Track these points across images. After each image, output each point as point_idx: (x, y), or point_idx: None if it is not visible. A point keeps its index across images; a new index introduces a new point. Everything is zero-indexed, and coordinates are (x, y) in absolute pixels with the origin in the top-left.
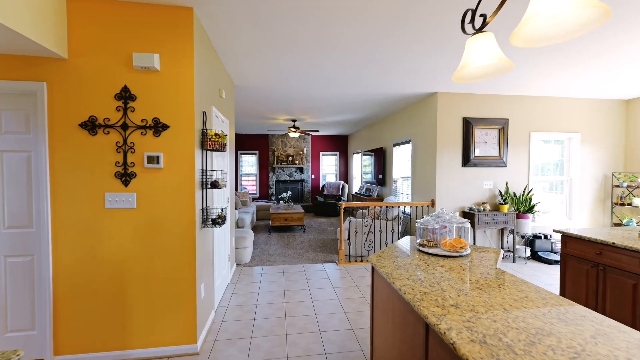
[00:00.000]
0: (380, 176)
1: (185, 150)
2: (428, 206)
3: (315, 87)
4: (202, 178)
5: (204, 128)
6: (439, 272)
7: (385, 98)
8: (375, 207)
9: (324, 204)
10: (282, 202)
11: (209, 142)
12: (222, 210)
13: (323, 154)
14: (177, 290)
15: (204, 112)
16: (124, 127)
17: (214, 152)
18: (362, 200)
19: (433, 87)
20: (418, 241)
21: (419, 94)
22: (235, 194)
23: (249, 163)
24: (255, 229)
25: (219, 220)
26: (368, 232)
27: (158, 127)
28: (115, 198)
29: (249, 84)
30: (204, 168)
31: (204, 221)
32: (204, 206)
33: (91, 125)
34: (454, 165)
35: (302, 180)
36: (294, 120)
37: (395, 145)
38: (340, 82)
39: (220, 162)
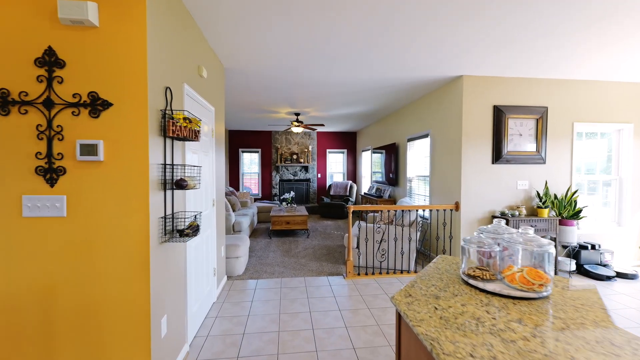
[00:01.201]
0: (392, 175)
1: (136, 138)
2: (451, 210)
3: (318, 68)
4: (163, 176)
5: (168, 109)
6: (519, 335)
7: (399, 84)
8: (388, 211)
9: (331, 205)
10: (284, 203)
11: (173, 128)
12: (196, 217)
13: (329, 152)
14: (124, 328)
15: (168, 89)
16: (48, 104)
17: (187, 143)
18: (372, 202)
19: (458, 69)
20: (464, 268)
21: (441, 78)
22: (235, 195)
23: (251, 161)
24: (255, 232)
25: (189, 232)
26: (381, 240)
27: (96, 105)
28: (37, 202)
29: (242, 66)
30: (166, 162)
31: (168, 233)
32: (167, 213)
33: (1, 102)
34: (483, 162)
35: (308, 180)
36: (297, 114)
37: (410, 140)
38: (347, 62)
39: (198, 157)
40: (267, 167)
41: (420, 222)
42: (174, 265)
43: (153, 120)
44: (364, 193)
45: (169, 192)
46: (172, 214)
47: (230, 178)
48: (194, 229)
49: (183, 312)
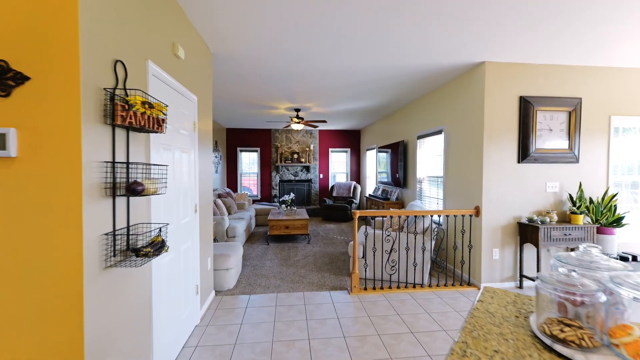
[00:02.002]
0: (399, 176)
1: (66, 125)
2: (471, 215)
3: (319, 54)
4: (111, 178)
5: (120, 88)
6: None
7: (410, 74)
8: (399, 217)
9: (333, 207)
10: (283, 205)
11: (123, 114)
12: (161, 230)
13: (332, 151)
14: None
15: (119, 63)
16: None
17: (154, 137)
18: (378, 204)
19: (480, 54)
20: (538, 320)
21: (459, 64)
22: (231, 197)
23: (250, 161)
24: (251, 237)
25: (149, 250)
26: (390, 250)
27: (5, 80)
28: None
29: (232, 52)
30: (115, 160)
31: (120, 253)
32: (118, 227)
33: None
34: (507, 161)
35: (309, 181)
36: (297, 110)
37: (420, 137)
38: (351, 46)
39: (174, 155)
40: (266, 167)
41: (435, 229)
42: (131, 293)
43: (90, 102)
44: (369, 195)
45: (121, 200)
46: (128, 227)
47: (228, 179)
48: (156, 246)
49: (146, 349)
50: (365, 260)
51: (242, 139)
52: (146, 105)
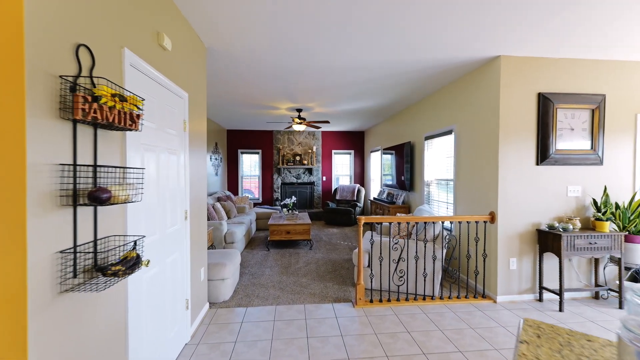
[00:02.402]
0: (403, 178)
1: (3, 119)
2: (485, 222)
3: (322, 47)
4: (66, 184)
5: (85, 76)
6: None
7: (418, 70)
8: (408, 223)
9: (337, 210)
10: (285, 209)
11: (84, 107)
12: (136, 244)
13: (335, 153)
14: None
15: (84, 48)
16: None
17: (132, 136)
18: (383, 208)
19: (495, 47)
20: None
21: (472, 59)
22: (231, 200)
23: (252, 163)
24: (252, 242)
25: (120, 269)
26: (398, 259)
27: None
28: None
29: (228, 46)
30: (77, 162)
31: (82, 272)
32: (80, 242)
33: None
34: (525, 163)
35: (312, 183)
36: (299, 110)
37: (428, 138)
38: (358, 37)
39: (158, 157)
40: (268, 169)
41: (447, 236)
42: (99, 319)
43: (40, 91)
44: (374, 198)
45: (85, 210)
46: (95, 242)
47: (229, 181)
48: (129, 263)
49: None
50: (371, 270)
51: (243, 141)
52: (116, 98)
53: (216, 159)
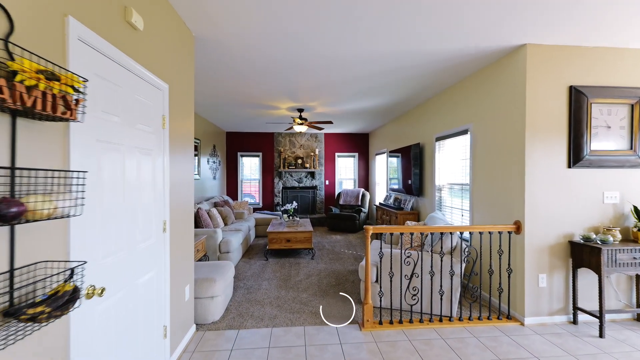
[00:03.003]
0: (410, 182)
1: None
2: (510, 232)
3: (324, 37)
4: None
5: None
6: None
7: (431, 62)
8: (422, 234)
9: (340, 216)
10: (285, 215)
11: None
12: (73, 273)
13: (339, 156)
14: None
15: None
16: None
17: (82, 129)
18: (390, 215)
19: (520, 34)
20: None
21: (493, 48)
22: (229, 205)
23: (252, 166)
24: (250, 250)
25: (44, 310)
26: (411, 275)
27: None
28: None
29: (219, 34)
30: None
31: None
32: None
33: None
34: (555, 166)
35: (314, 187)
36: (300, 110)
37: (439, 139)
38: (365, 24)
39: (124, 158)
40: (268, 172)
41: (466, 249)
42: None
43: None
44: (379, 203)
45: None
46: (10, 273)
47: (228, 185)
48: (60, 301)
49: None
50: (380, 287)
51: (243, 143)
52: (41, 76)
53: (214, 162)
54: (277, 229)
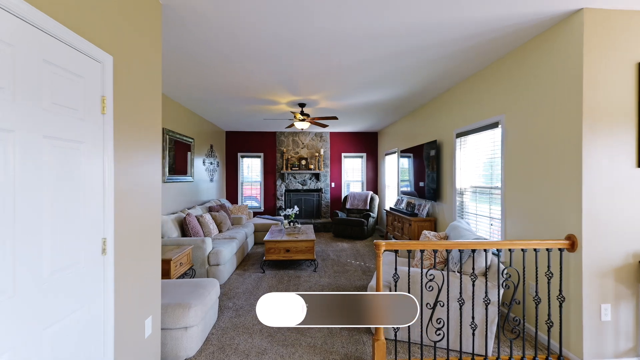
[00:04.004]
0: (424, 184)
1: None
2: (561, 250)
3: (325, 3)
4: None
5: None
6: None
7: (460, 38)
8: (448, 251)
9: (347, 221)
10: (286, 221)
11: None
12: None
13: (345, 156)
14: None
15: None
16: None
17: None
18: (403, 221)
19: None
20: None
21: (536, 17)
22: (225, 210)
23: (253, 168)
24: (247, 260)
25: None
26: (435, 304)
27: None
28: None
29: (194, 2)
30: None
31: None
32: None
33: None
34: (619, 164)
35: (319, 190)
36: (301, 105)
37: (460, 135)
38: None
39: (11, 150)
40: (270, 174)
41: (505, 270)
42: None
43: None
44: (390, 208)
45: None
46: None
47: (228, 188)
48: None
49: None
50: None
51: (243, 143)
52: None
53: (211, 164)
54: (276, 237)
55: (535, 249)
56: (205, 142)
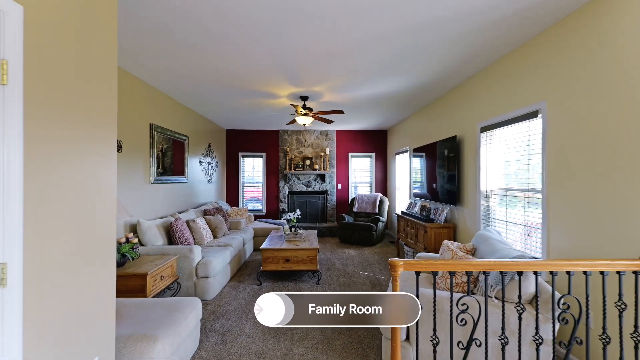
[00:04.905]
0: (439, 185)
1: None
2: (637, 273)
3: None
4: None
5: None
6: None
7: (495, 5)
8: (486, 274)
9: (354, 226)
10: (286, 227)
11: None
12: None
13: (352, 156)
14: None
15: None
16: None
17: None
18: (417, 227)
19: None
20: None
21: None
22: (223, 214)
23: (255, 167)
24: (243, 269)
25: None
26: (469, 341)
27: None
28: None
29: None
30: None
31: None
32: None
33: None
34: None
35: (324, 192)
36: (304, 99)
37: (486, 129)
38: None
39: None
40: (273, 175)
41: (561, 300)
42: None
43: None
44: (402, 212)
45: None
46: None
47: (228, 190)
48: None
49: None
50: (417, 352)
51: (244, 142)
52: None
53: (209, 163)
54: (274, 245)
55: (602, 272)
56: (203, 141)
